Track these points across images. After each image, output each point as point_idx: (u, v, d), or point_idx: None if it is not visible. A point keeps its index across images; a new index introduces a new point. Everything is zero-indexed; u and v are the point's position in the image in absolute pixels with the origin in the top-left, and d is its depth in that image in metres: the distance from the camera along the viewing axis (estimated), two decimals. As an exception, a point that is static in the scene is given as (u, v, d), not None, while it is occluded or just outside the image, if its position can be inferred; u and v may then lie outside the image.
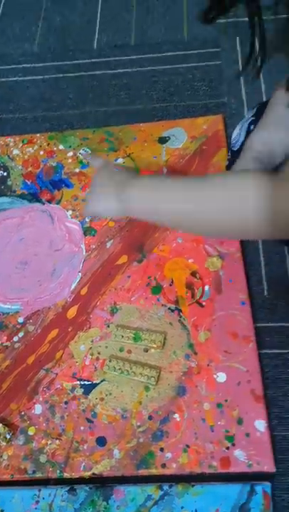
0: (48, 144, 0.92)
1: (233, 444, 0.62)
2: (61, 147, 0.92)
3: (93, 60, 1.07)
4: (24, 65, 1.09)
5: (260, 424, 0.63)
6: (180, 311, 0.72)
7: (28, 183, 0.89)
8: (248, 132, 0.64)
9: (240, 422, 0.63)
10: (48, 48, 1.11)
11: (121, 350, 0.70)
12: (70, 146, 0.91)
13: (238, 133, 0.67)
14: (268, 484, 0.60)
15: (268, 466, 0.61)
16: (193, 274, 0.75)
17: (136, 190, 0.55)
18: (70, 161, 0.90)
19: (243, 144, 0.64)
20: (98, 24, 1.13)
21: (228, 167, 0.76)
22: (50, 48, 1.11)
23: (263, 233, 0.50)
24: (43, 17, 1.17)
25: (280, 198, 0.43)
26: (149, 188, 0.55)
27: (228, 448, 0.62)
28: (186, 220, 0.52)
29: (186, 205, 0.50)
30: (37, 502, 0.61)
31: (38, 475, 0.64)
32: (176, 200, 0.51)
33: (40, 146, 0.92)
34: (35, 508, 0.61)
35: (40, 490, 0.62)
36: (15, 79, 1.07)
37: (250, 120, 0.65)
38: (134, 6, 1.14)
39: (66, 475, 0.63)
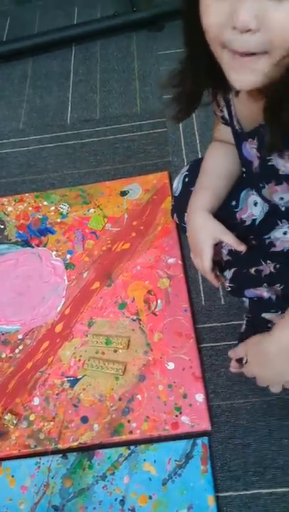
0: (35, 201, 1.19)
1: (181, 413, 0.85)
2: (45, 203, 1.18)
3: (67, 133, 1.35)
4: (12, 140, 1.37)
5: (199, 397, 0.86)
6: (140, 320, 0.97)
7: (21, 232, 1.14)
8: (184, 183, 0.88)
9: (185, 396, 0.86)
10: (31, 124, 1.40)
11: (96, 352, 0.94)
12: (52, 202, 1.18)
13: (177, 184, 0.90)
14: (205, 438, 0.82)
15: (205, 425, 0.83)
16: (149, 292, 1.00)
17: None
18: (52, 213, 1.16)
19: (181, 191, 0.88)
20: (70, 104, 1.43)
21: (173, 211, 1.02)
22: (32, 124, 1.40)
23: None
24: (26, 100, 1.47)
25: None
26: None
27: (176, 416, 0.85)
28: None
29: None
30: (38, 467, 0.83)
31: (39, 448, 0.85)
32: None
33: (29, 203, 1.19)
34: (38, 472, 0.82)
35: (40, 458, 0.83)
36: (5, 151, 1.35)
37: (184, 174, 0.89)
38: (98, 89, 1.45)
39: (59, 446, 0.85)
